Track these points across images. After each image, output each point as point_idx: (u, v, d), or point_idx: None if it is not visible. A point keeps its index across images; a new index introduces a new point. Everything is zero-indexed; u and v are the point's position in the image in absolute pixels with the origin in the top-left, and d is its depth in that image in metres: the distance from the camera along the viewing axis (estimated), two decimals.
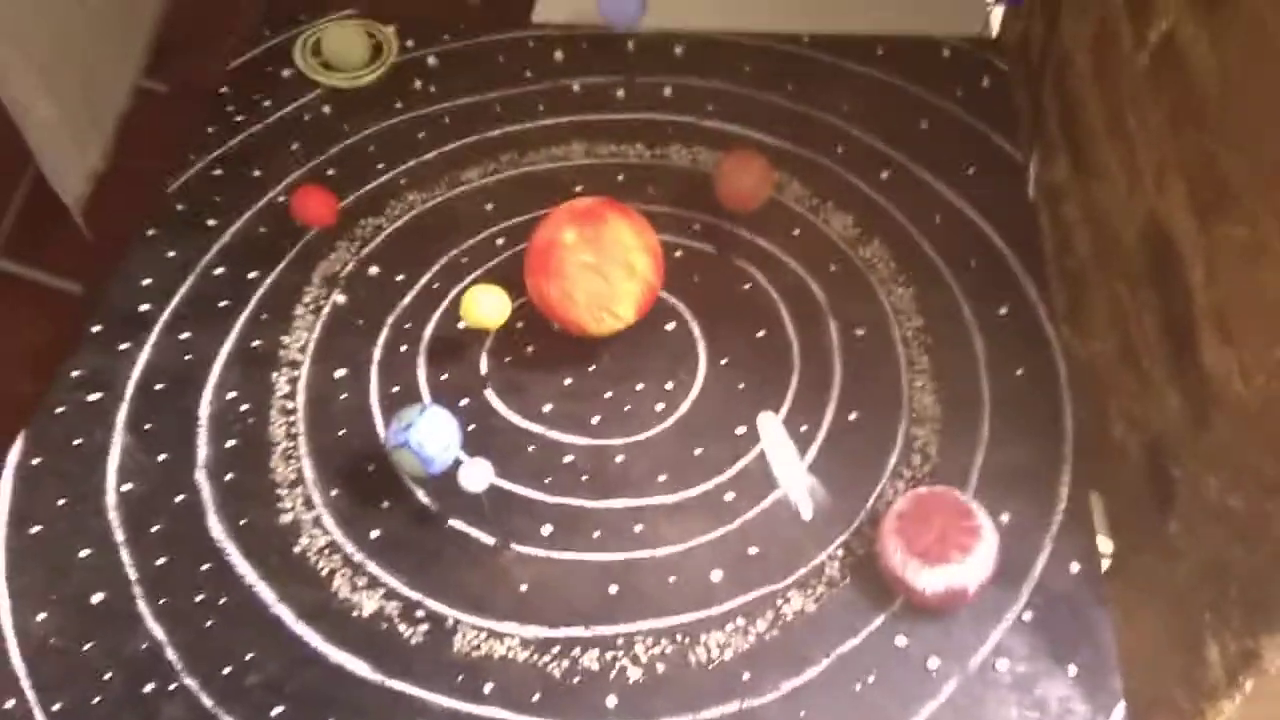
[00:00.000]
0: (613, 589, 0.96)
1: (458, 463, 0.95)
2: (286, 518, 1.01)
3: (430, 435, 0.92)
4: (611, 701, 0.89)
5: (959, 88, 1.38)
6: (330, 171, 1.33)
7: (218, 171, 1.33)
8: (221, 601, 0.96)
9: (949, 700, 0.88)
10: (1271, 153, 0.89)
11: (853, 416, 1.06)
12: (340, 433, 1.07)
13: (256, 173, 1.33)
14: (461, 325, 1.11)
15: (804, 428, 1.06)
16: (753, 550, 0.97)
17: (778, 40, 1.45)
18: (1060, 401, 1.06)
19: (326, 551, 0.99)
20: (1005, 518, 0.98)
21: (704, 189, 1.26)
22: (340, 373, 1.12)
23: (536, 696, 0.90)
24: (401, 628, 0.94)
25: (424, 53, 1.46)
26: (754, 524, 0.99)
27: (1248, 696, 0.87)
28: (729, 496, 1.01)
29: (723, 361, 1.11)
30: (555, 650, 0.92)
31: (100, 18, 2.18)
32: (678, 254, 1.22)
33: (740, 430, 1.06)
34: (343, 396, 1.11)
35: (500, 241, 1.24)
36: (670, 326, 1.15)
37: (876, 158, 1.31)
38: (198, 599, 0.96)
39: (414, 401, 1.07)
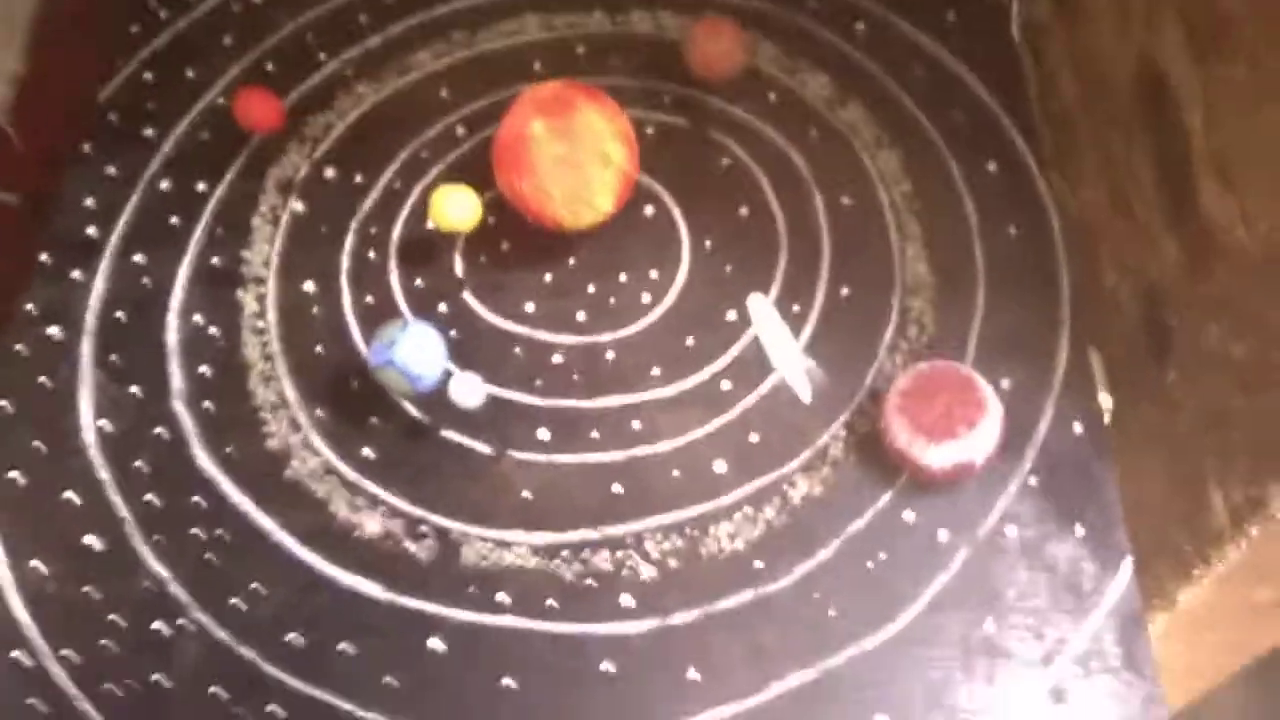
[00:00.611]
0: (617, 488, 0.94)
1: (446, 375, 0.92)
2: (273, 443, 0.98)
3: (415, 352, 0.88)
4: (626, 600, 0.89)
5: None
6: (269, 67, 1.24)
7: (148, 75, 1.24)
8: (219, 533, 0.93)
9: (959, 571, 0.89)
10: None
11: (845, 292, 1.04)
12: (318, 349, 1.03)
13: (190, 73, 1.24)
14: (431, 226, 1.06)
15: (796, 308, 1.03)
16: (754, 437, 0.96)
17: None
18: (1055, 260, 1.04)
19: (320, 473, 0.96)
20: (1006, 384, 0.97)
21: (671, 57, 1.20)
22: (309, 286, 1.08)
23: (551, 602, 0.89)
24: (408, 545, 0.92)
25: None
26: (753, 411, 0.98)
27: (1253, 541, 0.89)
28: (725, 385, 0.99)
29: (706, 244, 1.08)
30: (565, 554, 0.91)
31: None
32: (649, 131, 1.16)
33: (731, 316, 1.03)
34: (315, 310, 1.06)
35: (460, 131, 1.18)
36: (649, 211, 1.10)
37: (850, 10, 1.24)
38: (193, 532, 0.94)
39: (390, 313, 1.03)
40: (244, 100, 1.10)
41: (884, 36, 1.22)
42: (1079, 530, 0.91)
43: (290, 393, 1.01)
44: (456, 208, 0.98)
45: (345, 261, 1.10)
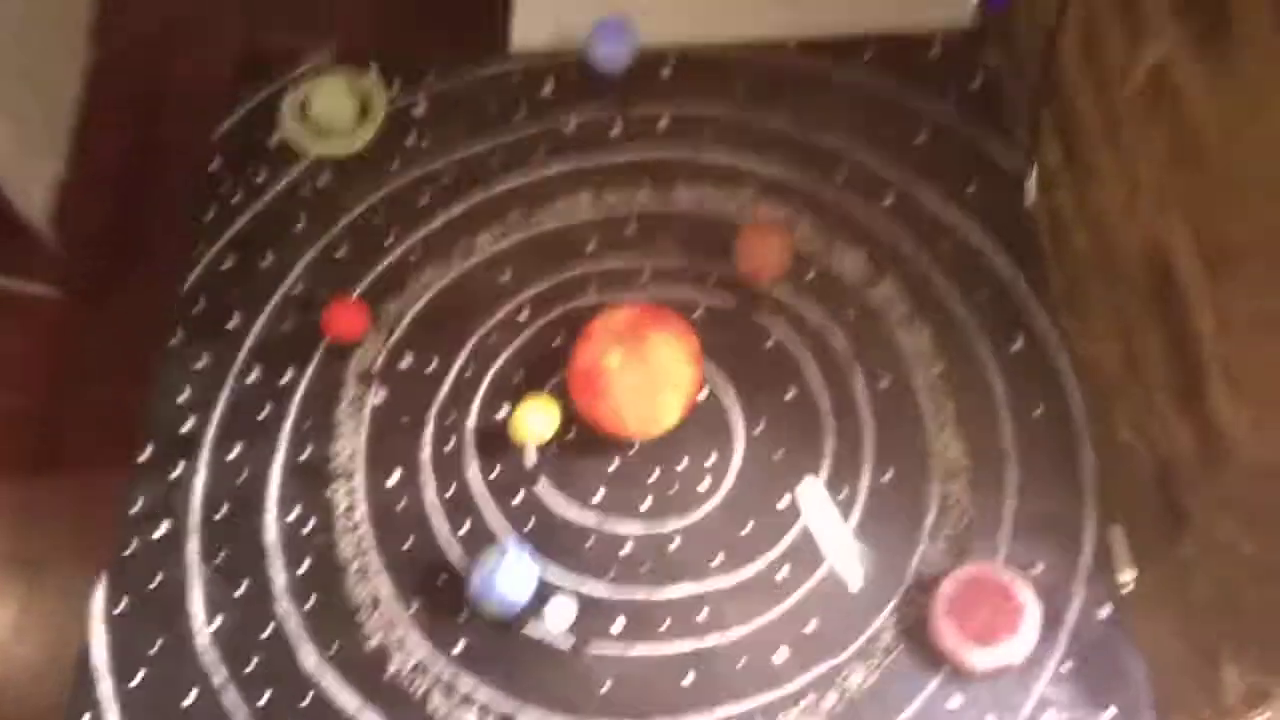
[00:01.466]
0: (689, 678, 1.04)
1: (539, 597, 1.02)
2: (373, 642, 1.08)
3: (512, 580, 0.98)
4: None
5: (951, 88, 1.39)
6: (340, 252, 1.34)
7: (227, 264, 1.34)
8: None
9: None
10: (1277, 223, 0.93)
11: (887, 477, 1.13)
12: (406, 544, 1.13)
13: (267, 261, 1.33)
14: (503, 413, 1.15)
15: (843, 493, 1.13)
16: (811, 626, 1.06)
17: (764, 49, 1.44)
18: (1078, 442, 1.13)
19: (418, 671, 1.06)
20: (1038, 569, 1.06)
21: (715, 232, 1.29)
22: (394, 478, 1.17)
23: None
24: None
25: (410, 101, 1.45)
26: (809, 598, 1.07)
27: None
28: (782, 573, 1.09)
29: (757, 430, 1.17)
30: None
31: (36, 25, 2.12)
32: (697, 313, 1.26)
33: (783, 502, 1.13)
34: (401, 504, 1.16)
35: (523, 316, 1.27)
36: (702, 396, 1.20)
37: (879, 181, 1.33)
38: None
39: (468, 506, 1.12)
40: (335, 315, 1.20)
41: (911, 208, 1.31)
42: (1110, 712, 1.00)
43: (385, 589, 1.11)
44: (538, 423, 1.07)
45: (426, 452, 1.19)
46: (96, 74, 2.36)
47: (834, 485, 1.13)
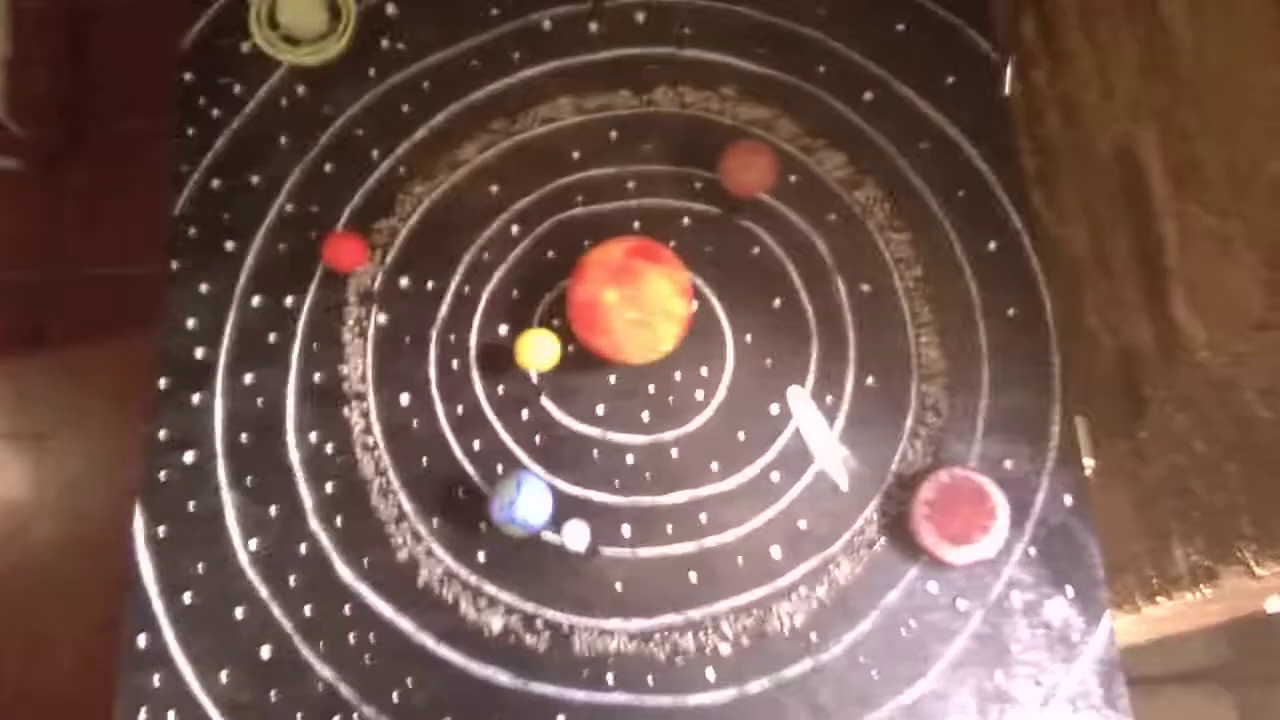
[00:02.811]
0: (692, 576, 1.15)
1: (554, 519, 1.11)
2: (402, 554, 1.18)
3: (530, 506, 1.07)
4: (710, 674, 1.12)
5: None
6: (327, 167, 1.35)
7: (215, 183, 1.35)
8: (371, 638, 1.15)
9: (975, 632, 1.12)
10: (1247, 152, 0.98)
11: (869, 381, 1.21)
12: (423, 461, 1.21)
13: (255, 179, 1.35)
14: (504, 331, 1.21)
15: (829, 399, 1.21)
16: (802, 524, 1.16)
17: None
18: (1048, 341, 1.21)
19: (446, 579, 1.17)
20: (1009, 464, 1.17)
21: (698, 135, 1.31)
22: (405, 398, 1.24)
23: (650, 680, 1.12)
24: (527, 639, 1.14)
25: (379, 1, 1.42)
26: (800, 499, 1.17)
27: (1207, 596, 1.12)
28: (775, 477, 1.18)
29: (747, 338, 1.24)
30: (656, 638, 1.14)
31: None
32: (685, 221, 1.30)
33: (774, 409, 1.21)
34: (415, 423, 1.23)
35: (515, 230, 1.31)
36: (694, 305, 1.25)
37: (859, 76, 1.34)
38: (350, 639, 1.15)
39: (480, 424, 1.20)
40: (333, 246, 1.22)
41: (891, 106, 1.33)
42: (1069, 591, 1.13)
43: (407, 505, 1.20)
44: (542, 352, 1.13)
45: (432, 372, 1.26)
46: None
47: (820, 392, 1.21)
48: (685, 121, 1.34)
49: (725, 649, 1.12)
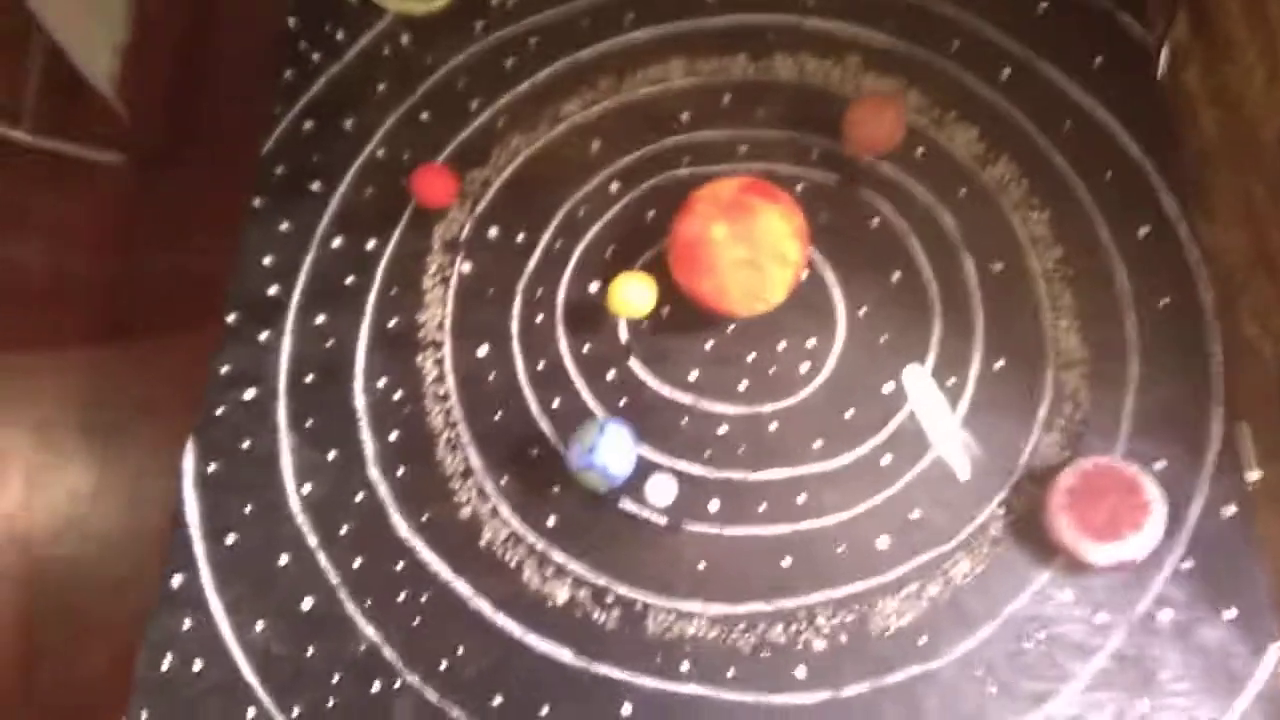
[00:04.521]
0: (786, 561, 1.02)
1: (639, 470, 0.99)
2: (465, 511, 1.06)
3: (613, 453, 0.95)
4: (801, 672, 0.97)
5: None
6: (424, 116, 1.29)
7: (308, 125, 1.29)
8: (423, 599, 1.03)
9: (1115, 652, 0.95)
10: None
11: (998, 365, 1.08)
12: (497, 416, 1.11)
13: (348, 123, 1.28)
14: (594, 288, 1.11)
15: (951, 380, 1.08)
16: (915, 514, 1.02)
17: None
18: (1206, 335, 1.07)
19: (511, 542, 1.05)
20: (1159, 465, 1.02)
21: (817, 105, 1.22)
22: (483, 350, 1.14)
23: (731, 672, 0.98)
24: (595, 614, 1.01)
25: None
26: (914, 486, 1.04)
27: None
28: (886, 460, 1.05)
29: (861, 312, 1.12)
30: (741, 626, 0.99)
31: None
32: (799, 187, 1.19)
33: (888, 387, 1.08)
34: (491, 376, 1.13)
35: (614, 188, 1.22)
36: (803, 275, 1.14)
37: (995, 53, 1.25)
38: (400, 598, 1.03)
39: (562, 380, 1.09)
40: (423, 179, 1.15)
41: (1030, 83, 1.22)
42: (1230, 613, 0.96)
43: (476, 460, 1.09)
44: (637, 296, 1.03)
45: (515, 325, 1.16)
46: None
47: (941, 373, 1.08)
48: (804, 89, 1.25)
49: (819, 644, 0.98)
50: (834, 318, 1.12)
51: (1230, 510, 0.99)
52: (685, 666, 0.98)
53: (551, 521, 1.05)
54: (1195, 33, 1.29)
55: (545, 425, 1.09)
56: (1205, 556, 0.98)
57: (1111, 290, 1.10)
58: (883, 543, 1.01)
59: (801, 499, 1.04)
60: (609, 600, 1.01)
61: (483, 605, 1.02)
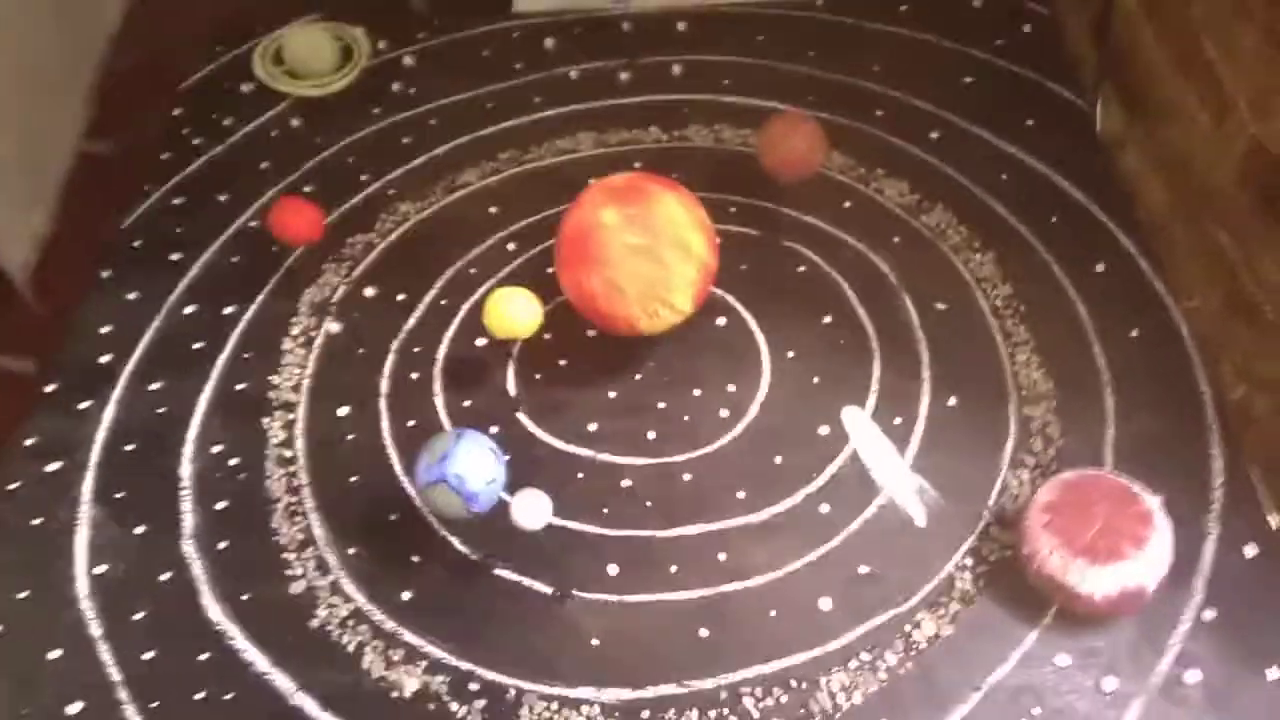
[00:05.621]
0: (703, 632, 0.79)
1: (502, 498, 0.78)
2: (298, 586, 0.84)
3: (471, 466, 0.75)
4: None
5: (998, 38, 1.25)
6: (308, 189, 1.17)
7: (178, 200, 1.17)
8: (228, 697, 0.78)
9: None
10: None
11: (951, 402, 0.91)
12: (352, 479, 0.90)
13: (223, 197, 1.16)
14: (481, 343, 0.95)
15: (897, 420, 0.90)
16: (863, 569, 0.81)
17: (789, 7, 1.31)
18: (1190, 361, 0.91)
19: (351, 623, 0.81)
20: (1157, 500, 0.82)
21: (734, 167, 1.12)
22: (343, 410, 0.96)
23: None
24: (453, 706, 0.77)
25: (399, 52, 1.31)
26: (860, 537, 0.83)
27: None
28: (824, 509, 0.85)
29: (789, 354, 0.96)
30: (645, 715, 0.75)
31: (35, 75, 2.01)
32: (717, 241, 1.06)
33: (823, 430, 0.90)
34: (350, 437, 0.94)
35: (511, 246, 1.09)
36: (721, 321, 0.99)
37: (922, 118, 1.17)
38: (198, 697, 0.78)
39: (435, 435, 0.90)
40: (282, 209, 1.02)
41: (962, 144, 1.14)
42: (1275, 672, 0.74)
43: (319, 529, 0.88)
44: (516, 309, 0.87)
45: (385, 384, 0.98)
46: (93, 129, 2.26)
47: (885, 413, 0.91)
48: (720, 153, 1.16)
49: None
50: (758, 362, 0.96)
51: (1250, 550, 0.79)
52: None
53: (407, 596, 0.83)
54: (1129, 113, 1.23)
55: (409, 489, 0.89)
56: (1231, 604, 0.77)
57: (1073, 324, 0.96)
58: (825, 604, 0.79)
59: (722, 557, 0.83)
60: (473, 689, 0.77)
61: (306, 703, 0.77)
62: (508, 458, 0.88)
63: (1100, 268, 0.99)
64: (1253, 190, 1.00)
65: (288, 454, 0.93)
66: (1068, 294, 0.98)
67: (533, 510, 0.76)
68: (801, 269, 1.03)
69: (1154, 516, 0.72)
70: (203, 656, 0.81)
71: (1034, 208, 1.06)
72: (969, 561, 0.81)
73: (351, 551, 0.86)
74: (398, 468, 0.91)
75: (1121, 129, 1.21)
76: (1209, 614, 0.76)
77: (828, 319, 0.98)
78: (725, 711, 0.75)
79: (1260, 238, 0.98)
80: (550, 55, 1.29)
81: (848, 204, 1.09)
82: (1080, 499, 0.73)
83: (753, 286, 1.02)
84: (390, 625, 0.81)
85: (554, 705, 0.76)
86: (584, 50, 1.27)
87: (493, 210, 1.13)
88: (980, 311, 0.97)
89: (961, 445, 0.88)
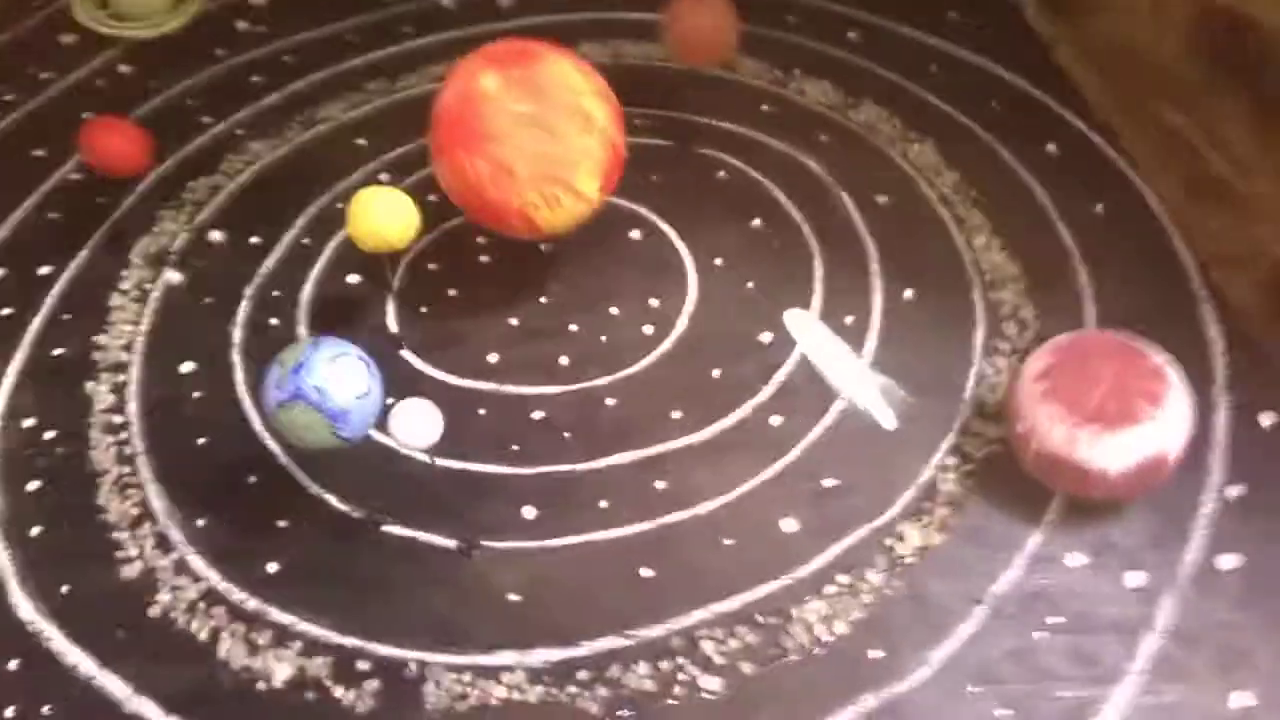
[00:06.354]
0: (645, 572, 0.64)
1: (381, 409, 0.63)
2: (131, 570, 0.67)
3: (333, 377, 0.59)
4: None
5: None
6: None
7: None
8: (46, 711, 0.60)
9: (1173, 629, 0.59)
10: None
11: (908, 294, 0.80)
12: (199, 441, 0.74)
13: (40, 152, 0.98)
14: (354, 279, 0.79)
15: (849, 319, 0.78)
16: (829, 481, 0.68)
17: None
18: (1163, 231, 0.81)
19: (202, 606, 0.64)
20: None
21: (636, 82, 0.99)
22: (187, 366, 0.79)
23: None
24: (338, 693, 0.60)
25: None
26: (821, 448, 0.70)
27: None
28: (775, 420, 0.72)
29: (716, 262, 0.83)
30: (583, 676, 0.60)
31: None
32: (622, 113, 0.92)
33: (765, 337, 0.77)
34: (196, 395, 0.77)
35: (385, 177, 0.94)
36: (635, 235, 0.86)
37: (837, 21, 1.06)
38: (8, 715, 0.60)
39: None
40: (94, 131, 0.85)
41: (883, 41, 1.04)
42: None
43: (158, 501, 0.71)
44: (386, 210, 0.71)
45: (238, 334, 0.82)
46: None
47: (835, 313, 0.78)
48: (621, 69, 1.03)
49: (711, 684, 0.59)
50: (682, 273, 0.83)
51: (1269, 419, 0.68)
52: None
53: (273, 568, 0.66)
54: (1055, 12, 1.14)
55: (274, 443, 0.72)
56: (1259, 478, 0.65)
57: (1030, 204, 0.86)
58: (788, 526, 0.65)
59: (660, 485, 0.69)
60: (361, 669, 0.60)
61: (145, 707, 0.60)
62: (390, 401, 0.73)
63: (1051, 148, 0.90)
64: (1205, 57, 0.91)
65: (117, 420, 0.76)
66: (1019, 176, 0.88)
67: (419, 422, 0.60)
68: (721, 174, 0.91)
69: (1167, 373, 0.60)
70: (11, 665, 0.62)
71: (971, 96, 0.96)
72: (951, 461, 0.68)
73: (200, 523, 0.69)
74: (256, 424, 0.75)
75: (1051, 30, 1.12)
76: (1234, 491, 0.65)
77: (756, 222, 0.86)
78: (682, 660, 0.60)
79: (1217, 110, 0.89)
80: None
81: (765, 107, 0.97)
82: (1079, 358, 0.61)
83: (668, 197, 0.89)
84: (253, 604, 0.65)
85: (466, 676, 0.60)
86: None
87: (360, 142, 0.98)
88: (926, 201, 0.86)
89: (926, 339, 0.76)
